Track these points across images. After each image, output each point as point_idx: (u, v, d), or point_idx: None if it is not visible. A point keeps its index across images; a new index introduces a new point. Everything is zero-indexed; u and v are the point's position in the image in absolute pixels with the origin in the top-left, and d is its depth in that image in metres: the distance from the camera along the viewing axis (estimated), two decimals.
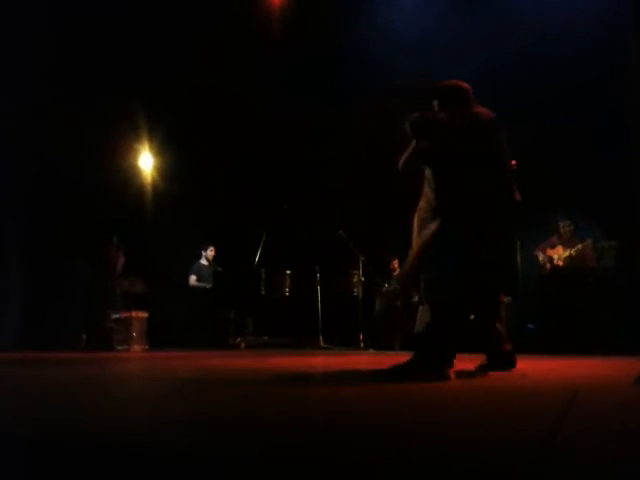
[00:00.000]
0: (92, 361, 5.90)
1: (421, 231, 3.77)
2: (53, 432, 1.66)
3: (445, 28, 8.44)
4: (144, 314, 8.73)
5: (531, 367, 4.38)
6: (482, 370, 4.00)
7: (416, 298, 8.94)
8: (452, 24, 8.45)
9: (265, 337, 9.28)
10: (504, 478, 1.20)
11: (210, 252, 9.59)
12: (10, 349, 7.96)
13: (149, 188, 9.79)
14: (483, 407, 2.21)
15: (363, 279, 8.87)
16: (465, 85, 4.02)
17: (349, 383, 3.30)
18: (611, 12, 7.36)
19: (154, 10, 8.48)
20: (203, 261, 9.63)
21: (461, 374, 3.79)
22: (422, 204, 3.89)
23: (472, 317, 4.14)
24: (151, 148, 9.83)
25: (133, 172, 9.76)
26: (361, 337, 8.48)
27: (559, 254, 7.58)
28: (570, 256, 7.44)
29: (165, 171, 9.89)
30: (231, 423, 1.83)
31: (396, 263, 9.35)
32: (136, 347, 8.47)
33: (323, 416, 1.97)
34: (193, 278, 9.50)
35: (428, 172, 3.90)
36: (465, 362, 4.96)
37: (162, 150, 9.81)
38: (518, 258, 3.95)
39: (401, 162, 4.09)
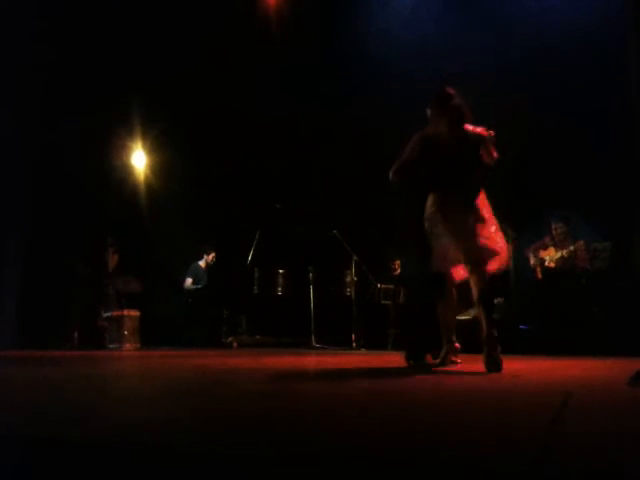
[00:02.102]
0: (85, 359, 5.88)
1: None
2: (51, 431, 1.65)
3: (444, 29, 8.45)
4: (136, 312, 8.72)
5: (524, 368, 4.40)
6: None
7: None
8: (451, 25, 8.47)
9: (258, 336, 9.28)
10: (501, 478, 1.20)
11: (211, 257, 9.67)
12: (3, 348, 7.93)
13: (143, 187, 9.78)
14: (479, 408, 2.21)
15: (356, 279, 8.88)
16: None
17: (345, 383, 3.31)
18: (611, 11, 7.39)
19: (150, 8, 8.46)
20: (201, 262, 9.67)
21: (457, 375, 3.81)
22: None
23: None
24: (145, 146, 9.82)
25: (127, 171, 9.75)
26: (353, 337, 8.48)
27: (551, 255, 7.60)
28: (562, 257, 7.46)
29: (159, 170, 9.87)
30: (227, 422, 1.83)
31: (397, 264, 9.35)
32: (128, 346, 8.45)
33: (321, 415, 1.97)
34: (189, 281, 9.53)
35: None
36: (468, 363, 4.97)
37: (156, 148, 9.80)
38: None
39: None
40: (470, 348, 6.56)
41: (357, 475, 1.26)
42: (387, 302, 8.86)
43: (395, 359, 5.66)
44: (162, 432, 1.64)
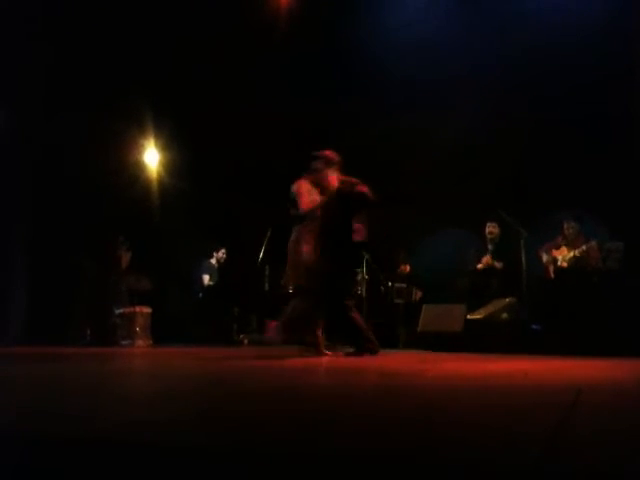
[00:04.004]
0: (96, 356, 5.91)
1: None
2: (58, 429, 1.65)
3: (447, 29, 8.44)
4: (148, 309, 8.76)
5: (535, 368, 4.37)
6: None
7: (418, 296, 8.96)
8: (454, 25, 8.45)
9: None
10: (501, 478, 1.19)
11: (221, 254, 9.74)
12: (15, 344, 7.99)
13: (155, 184, 9.82)
14: (485, 407, 2.20)
15: (367, 277, 8.86)
16: None
17: (350, 382, 3.30)
18: (616, 11, 7.35)
19: (160, 6, 8.49)
20: (212, 260, 9.75)
21: (465, 374, 3.79)
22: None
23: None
24: (157, 144, 9.86)
25: (139, 168, 9.80)
26: None
27: (563, 255, 7.56)
28: (575, 257, 7.42)
29: (170, 167, 9.91)
30: (230, 421, 1.82)
31: (407, 267, 9.33)
32: (140, 342, 8.48)
33: (324, 415, 1.96)
34: (207, 278, 9.60)
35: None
36: (471, 362, 4.96)
37: (168, 146, 9.84)
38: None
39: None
40: (480, 347, 6.56)
41: (357, 474, 1.26)
42: (400, 301, 8.83)
43: (405, 358, 5.65)
44: (163, 431, 1.64)
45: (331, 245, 5.72)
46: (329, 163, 5.91)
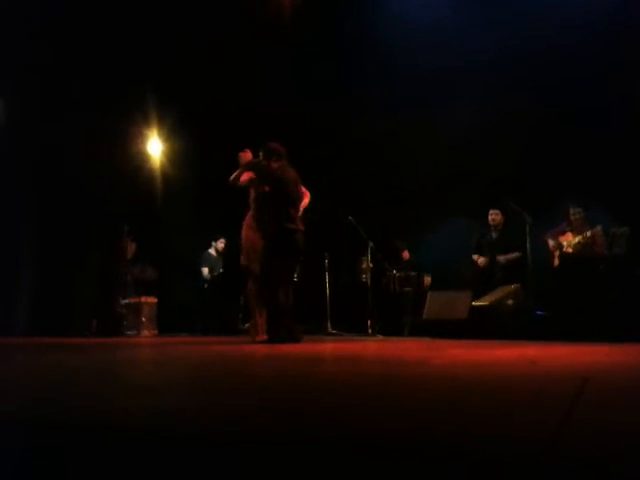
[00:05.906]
0: (101, 346, 5.93)
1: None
2: (58, 416, 1.65)
3: (456, 19, 8.39)
4: (154, 299, 8.79)
5: (541, 354, 4.36)
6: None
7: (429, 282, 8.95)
8: (463, 14, 8.40)
9: None
10: (506, 473, 1.18)
11: (220, 244, 9.72)
12: (22, 334, 8.03)
13: (159, 175, 9.82)
14: (489, 397, 2.19)
15: (372, 265, 8.85)
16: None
17: (353, 370, 3.30)
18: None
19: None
20: (212, 251, 9.73)
21: (472, 362, 3.78)
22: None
23: None
24: (160, 134, 9.85)
25: (143, 159, 9.78)
26: (369, 323, 8.47)
27: (569, 241, 7.53)
28: (580, 243, 7.39)
29: (175, 158, 9.90)
30: (237, 409, 1.82)
31: (406, 253, 9.32)
32: (146, 332, 8.52)
33: (325, 404, 1.96)
34: (205, 270, 9.59)
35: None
36: (476, 349, 4.95)
37: (171, 136, 9.82)
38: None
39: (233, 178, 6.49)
40: (486, 334, 6.56)
41: (358, 464, 1.25)
42: (409, 289, 8.80)
43: (410, 345, 5.65)
44: (164, 418, 1.64)
45: (265, 228, 6.09)
46: (271, 154, 6.20)
